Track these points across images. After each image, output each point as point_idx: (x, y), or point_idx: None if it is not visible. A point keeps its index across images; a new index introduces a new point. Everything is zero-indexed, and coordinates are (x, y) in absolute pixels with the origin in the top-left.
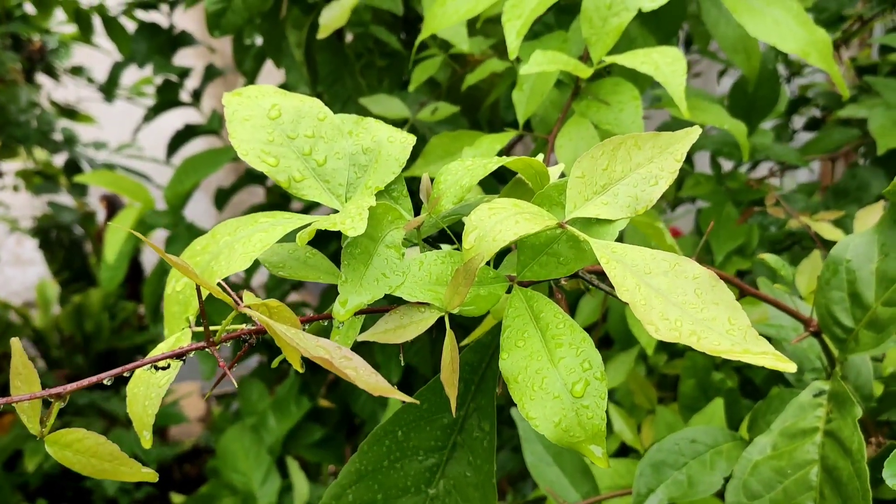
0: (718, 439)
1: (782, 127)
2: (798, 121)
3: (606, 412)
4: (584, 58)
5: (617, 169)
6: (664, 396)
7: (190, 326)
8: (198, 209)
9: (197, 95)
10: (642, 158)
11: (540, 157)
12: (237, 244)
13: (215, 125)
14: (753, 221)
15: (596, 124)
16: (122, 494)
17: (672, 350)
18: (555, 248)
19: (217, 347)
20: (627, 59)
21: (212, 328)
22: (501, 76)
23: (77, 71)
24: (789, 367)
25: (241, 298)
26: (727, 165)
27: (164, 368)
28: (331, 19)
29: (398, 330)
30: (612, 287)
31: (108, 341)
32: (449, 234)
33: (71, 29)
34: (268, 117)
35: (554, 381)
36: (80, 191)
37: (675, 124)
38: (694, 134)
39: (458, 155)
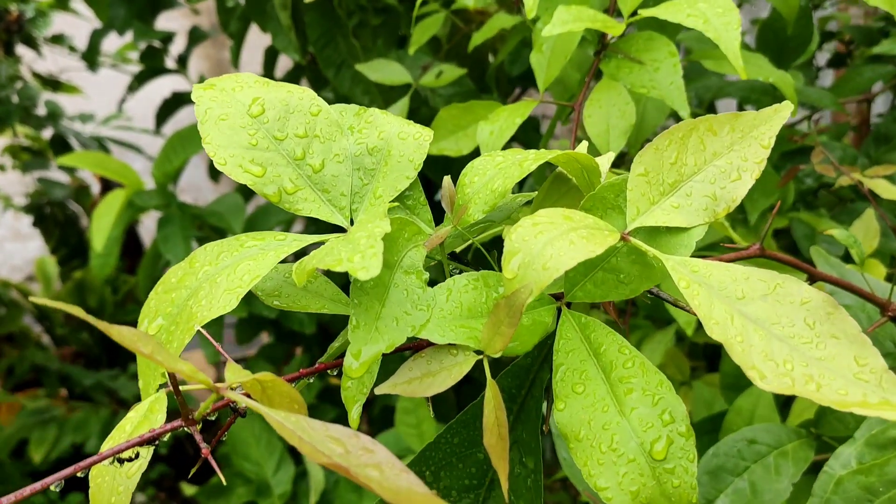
0: (782, 438)
1: (805, 65)
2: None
3: None
4: (610, 10)
5: (688, 162)
6: (696, 366)
7: (166, 386)
8: (196, 176)
9: (183, 61)
10: (719, 146)
11: (583, 145)
12: (220, 276)
13: None
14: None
15: (629, 87)
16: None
17: None
18: (613, 262)
19: (198, 427)
20: (669, 12)
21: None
22: (510, 32)
23: (58, 39)
24: None
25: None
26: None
27: (130, 460)
28: None
29: (426, 379)
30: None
31: (113, 316)
32: (481, 250)
33: None
34: (248, 115)
35: (626, 439)
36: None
37: (693, 72)
38: (784, 112)
39: (470, 130)
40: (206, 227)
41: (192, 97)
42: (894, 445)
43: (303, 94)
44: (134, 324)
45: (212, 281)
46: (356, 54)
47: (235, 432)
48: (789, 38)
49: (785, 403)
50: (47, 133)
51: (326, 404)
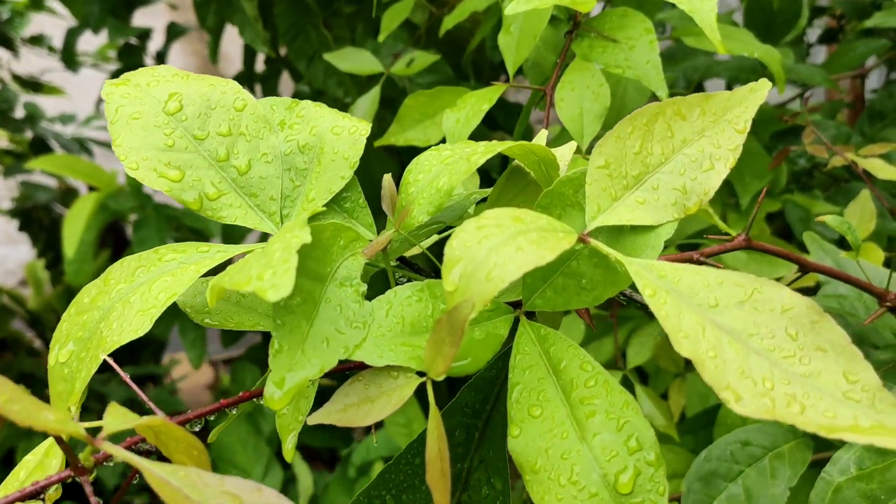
0: (777, 439)
1: (796, 42)
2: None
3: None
4: None
5: (654, 151)
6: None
7: (74, 418)
8: None
9: (161, 57)
10: (689, 132)
11: (542, 135)
12: (134, 295)
13: None
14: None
15: (603, 67)
16: (124, 479)
17: None
18: (574, 266)
19: (91, 476)
20: None
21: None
22: (485, 14)
23: (36, 40)
24: None
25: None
26: None
27: None
28: None
29: (363, 406)
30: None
31: None
32: (429, 256)
33: None
34: (164, 112)
35: (588, 470)
36: None
37: (679, 52)
38: (761, 92)
39: (438, 118)
40: (183, 228)
41: (102, 94)
42: None
43: (226, 86)
44: None
45: (125, 301)
46: (328, 45)
47: (222, 438)
48: (776, 13)
49: None
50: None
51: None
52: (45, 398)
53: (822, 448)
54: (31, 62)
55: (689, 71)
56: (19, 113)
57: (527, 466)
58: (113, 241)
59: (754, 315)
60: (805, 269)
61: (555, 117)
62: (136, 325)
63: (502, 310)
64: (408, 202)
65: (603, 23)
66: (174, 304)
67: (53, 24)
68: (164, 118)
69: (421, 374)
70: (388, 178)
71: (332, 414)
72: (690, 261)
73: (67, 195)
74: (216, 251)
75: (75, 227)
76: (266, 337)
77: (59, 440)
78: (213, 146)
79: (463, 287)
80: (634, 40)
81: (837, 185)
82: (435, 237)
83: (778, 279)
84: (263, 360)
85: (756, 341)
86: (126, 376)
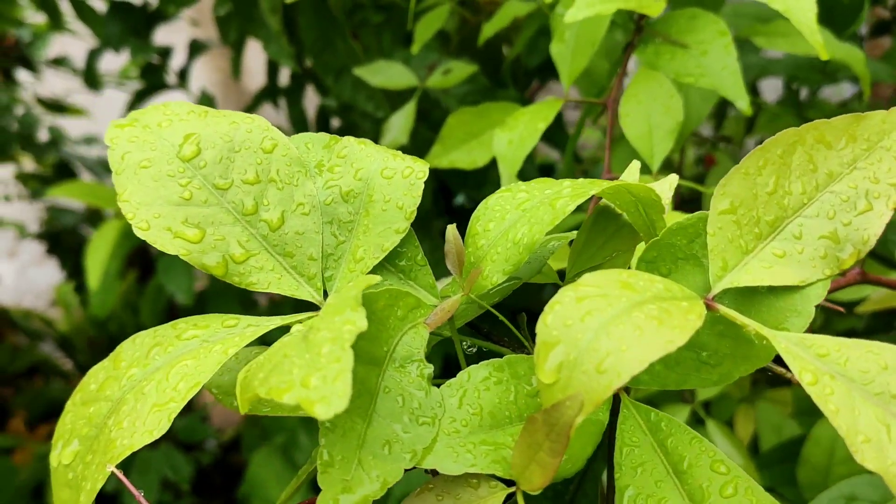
0: (888, 493)
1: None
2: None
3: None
4: None
5: (794, 190)
6: (756, 378)
7: None
8: None
9: (183, 75)
10: (836, 164)
11: (634, 167)
12: (149, 384)
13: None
14: None
15: (672, 77)
16: None
17: None
18: (693, 335)
19: None
20: None
21: None
22: (524, 20)
23: (59, 62)
24: None
25: None
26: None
27: None
28: None
29: None
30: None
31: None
32: (506, 323)
33: (43, 18)
34: (179, 158)
35: None
36: None
37: None
38: None
39: (485, 137)
40: None
41: (106, 140)
42: None
43: (252, 124)
44: None
45: (137, 391)
46: (356, 57)
47: (256, 472)
48: (837, 5)
49: None
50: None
51: None
52: None
53: None
54: (55, 84)
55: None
56: (43, 136)
57: None
58: (140, 262)
59: None
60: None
61: (618, 132)
62: (150, 425)
63: None
64: (477, 258)
65: (669, 26)
66: None
67: (74, 44)
68: (179, 165)
69: (507, 481)
70: (452, 230)
71: None
72: None
73: (95, 216)
74: (246, 325)
75: (98, 257)
76: None
77: None
78: (238, 197)
79: (565, 380)
80: (707, 44)
81: None
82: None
83: (861, 300)
84: None
85: None
86: (139, 494)
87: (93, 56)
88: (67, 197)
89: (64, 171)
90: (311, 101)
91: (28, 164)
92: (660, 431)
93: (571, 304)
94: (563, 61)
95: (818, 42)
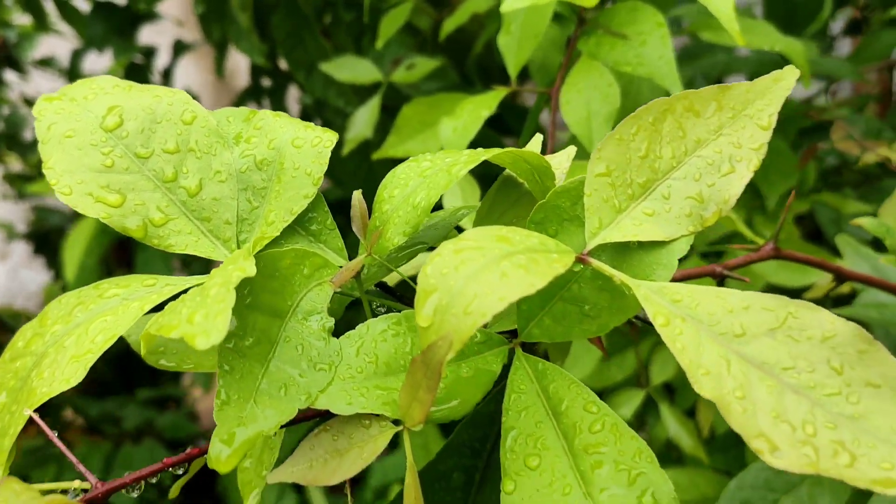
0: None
1: (819, 34)
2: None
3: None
4: None
5: (664, 154)
6: None
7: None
8: None
9: (167, 74)
10: (704, 131)
11: (536, 140)
12: (69, 338)
13: None
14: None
15: (612, 66)
16: None
17: None
18: (575, 290)
19: None
20: None
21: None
22: (489, 17)
23: (45, 63)
24: None
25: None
26: None
27: None
28: None
29: (332, 461)
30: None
31: (121, 341)
32: (409, 283)
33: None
34: (102, 129)
35: None
36: None
37: (697, 50)
38: (787, 81)
39: (439, 127)
40: None
41: (34, 112)
42: None
43: (173, 97)
44: None
45: (59, 345)
46: (326, 53)
47: None
48: (798, 5)
49: None
50: None
51: None
52: (65, 424)
53: None
54: (42, 85)
55: (707, 68)
56: (29, 135)
57: None
58: (126, 261)
59: (789, 345)
60: (841, 277)
61: (560, 121)
62: (68, 374)
63: (494, 341)
64: (381, 222)
65: (611, 18)
66: None
67: (65, 46)
68: (102, 135)
69: (397, 422)
70: (357, 196)
71: (297, 471)
72: (713, 275)
73: (79, 216)
74: (164, 284)
75: (75, 252)
76: None
77: None
78: (158, 165)
79: (438, 322)
80: (645, 35)
81: (870, 183)
82: (413, 262)
83: (808, 287)
84: None
85: (793, 377)
86: (53, 435)
87: (77, 56)
88: (49, 194)
89: None
90: (296, 99)
91: (16, 164)
92: (545, 378)
93: (450, 255)
94: (509, 52)
95: (734, 29)
